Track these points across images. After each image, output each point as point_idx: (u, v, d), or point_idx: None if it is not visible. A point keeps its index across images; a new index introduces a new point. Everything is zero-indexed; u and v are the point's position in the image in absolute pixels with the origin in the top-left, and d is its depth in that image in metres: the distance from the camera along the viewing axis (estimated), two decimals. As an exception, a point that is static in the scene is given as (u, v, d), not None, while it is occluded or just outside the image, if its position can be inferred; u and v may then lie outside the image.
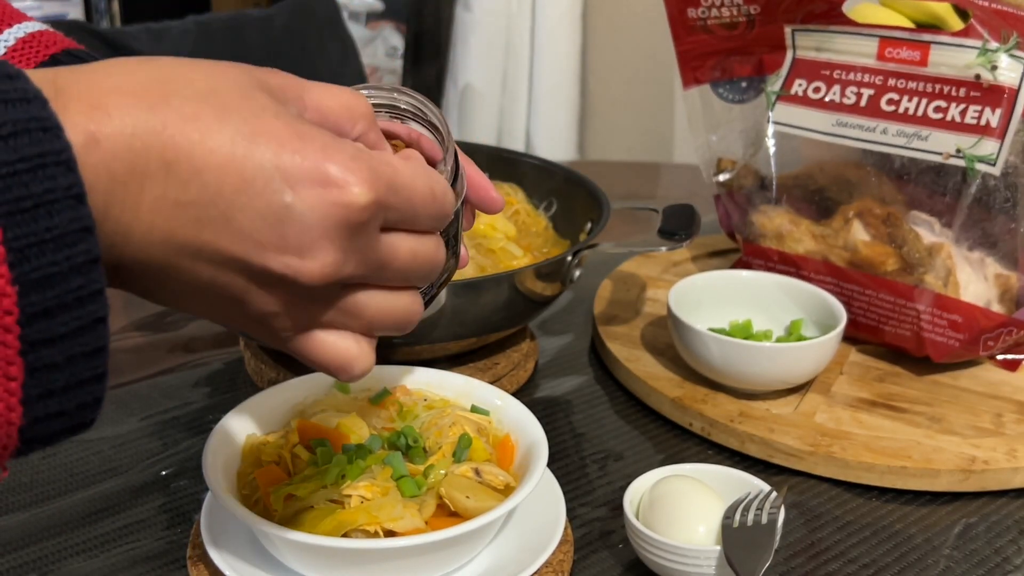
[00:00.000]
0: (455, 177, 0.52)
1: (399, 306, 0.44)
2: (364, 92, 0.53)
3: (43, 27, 0.64)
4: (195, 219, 0.38)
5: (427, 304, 0.60)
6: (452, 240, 0.57)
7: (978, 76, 0.84)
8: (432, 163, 0.52)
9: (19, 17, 0.63)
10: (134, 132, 0.36)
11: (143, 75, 0.37)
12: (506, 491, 0.63)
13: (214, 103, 0.38)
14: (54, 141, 0.34)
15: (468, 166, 0.56)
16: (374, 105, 0.52)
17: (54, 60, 0.61)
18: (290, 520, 0.60)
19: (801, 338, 0.86)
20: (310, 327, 0.43)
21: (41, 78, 0.36)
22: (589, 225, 0.91)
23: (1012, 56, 0.83)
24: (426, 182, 0.43)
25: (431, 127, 0.53)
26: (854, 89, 0.91)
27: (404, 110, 0.52)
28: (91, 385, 0.37)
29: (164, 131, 0.36)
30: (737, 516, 0.63)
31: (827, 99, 0.93)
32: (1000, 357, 0.91)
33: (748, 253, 0.97)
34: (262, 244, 0.38)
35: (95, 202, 0.36)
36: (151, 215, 0.37)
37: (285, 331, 0.43)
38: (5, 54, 0.60)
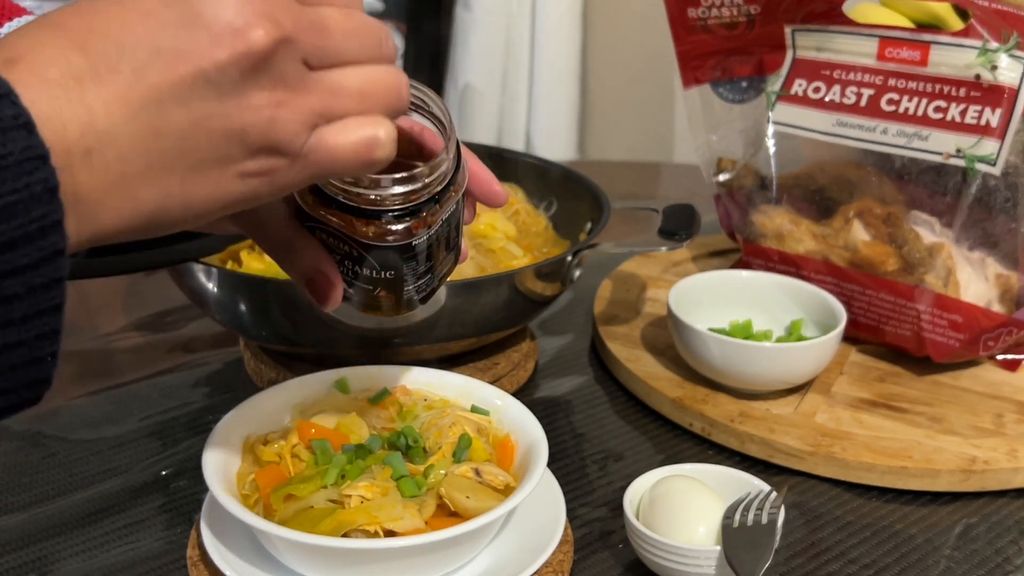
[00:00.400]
0: (456, 168, 0.52)
1: (378, 74, 0.43)
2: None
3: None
4: (133, 72, 0.37)
5: (425, 301, 0.60)
6: (453, 234, 0.57)
7: (978, 76, 0.84)
8: (434, 154, 0.52)
9: (18, 11, 0.64)
10: (42, 45, 0.37)
11: (41, 18, 0.38)
12: (506, 491, 0.63)
13: None
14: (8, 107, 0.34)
15: (471, 160, 0.55)
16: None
17: None
18: (290, 520, 0.60)
19: (801, 338, 0.86)
20: (314, 123, 0.41)
21: None
22: (589, 225, 0.91)
23: (1012, 56, 0.83)
24: (359, 15, 0.42)
25: (433, 118, 0.52)
26: (854, 89, 0.91)
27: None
28: (49, 315, 0.37)
29: (66, 29, 0.37)
30: (737, 516, 0.63)
31: (827, 99, 0.93)
32: (1000, 357, 0.91)
33: (748, 253, 0.97)
34: (197, 50, 0.38)
35: (46, 113, 0.36)
36: (96, 95, 0.37)
37: (294, 139, 0.41)
38: None
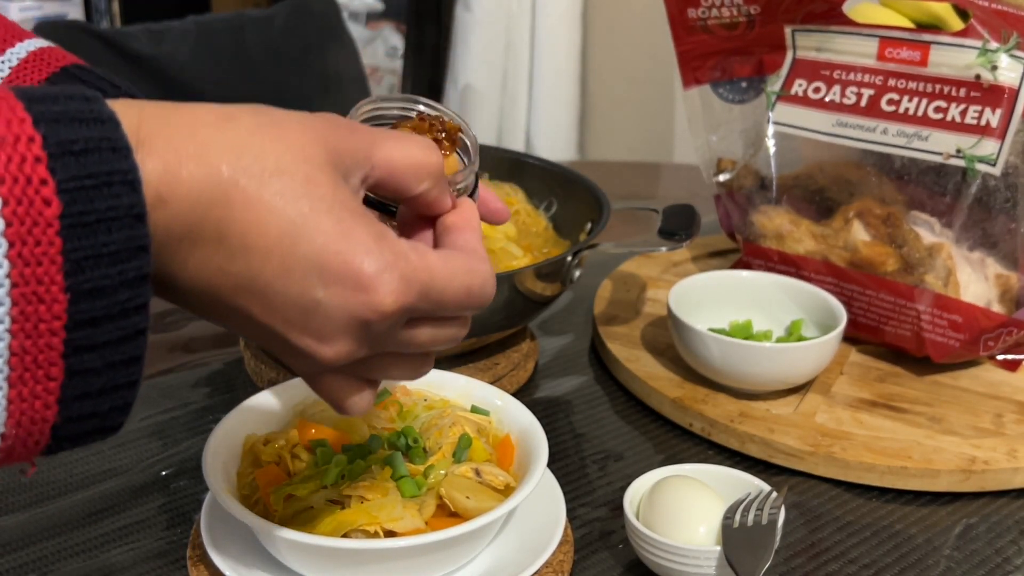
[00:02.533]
0: (474, 187, 0.53)
1: (409, 365, 0.47)
2: (393, 103, 0.54)
3: (49, 44, 0.65)
4: (234, 286, 0.41)
5: None
6: None
7: (978, 76, 0.84)
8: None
9: (26, 35, 0.65)
10: (199, 199, 0.39)
11: (222, 142, 0.39)
12: (506, 491, 0.63)
13: (278, 187, 0.40)
14: (122, 161, 0.36)
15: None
16: (401, 117, 0.52)
17: (64, 72, 0.63)
18: (290, 520, 0.60)
19: (801, 338, 0.86)
20: (324, 372, 0.46)
21: (126, 115, 0.38)
22: (589, 225, 0.91)
23: (1012, 56, 0.83)
24: (463, 283, 0.44)
25: (464, 147, 0.53)
26: (854, 89, 0.91)
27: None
28: (125, 390, 0.38)
29: (225, 207, 0.39)
30: (737, 516, 0.63)
31: (827, 99, 0.93)
32: (1000, 357, 0.91)
33: (748, 253, 0.97)
34: (289, 322, 0.41)
35: (153, 244, 0.38)
36: (197, 270, 0.40)
37: (302, 373, 0.46)
38: (17, 65, 0.62)
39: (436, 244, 0.48)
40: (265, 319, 0.42)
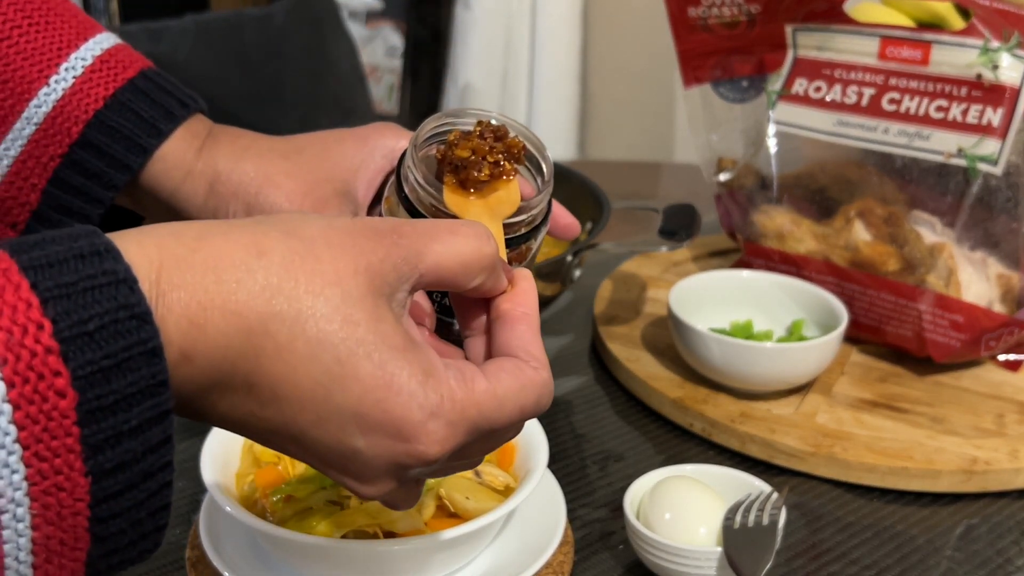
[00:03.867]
0: (548, 208, 0.49)
1: (457, 470, 0.45)
2: (474, 119, 0.49)
3: (115, 41, 0.62)
4: (267, 429, 0.39)
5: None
6: (533, 266, 0.54)
7: (979, 75, 0.84)
8: (524, 198, 0.49)
9: (93, 29, 0.62)
10: (226, 354, 0.36)
11: (251, 286, 0.37)
12: (506, 492, 0.63)
13: (313, 333, 0.37)
14: (141, 330, 0.34)
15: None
16: (479, 134, 0.48)
17: (131, 86, 0.60)
18: (289, 521, 0.60)
19: (802, 338, 0.86)
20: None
21: (143, 263, 0.35)
22: (589, 225, 0.90)
23: (1014, 55, 0.83)
24: (516, 405, 0.41)
25: (539, 170, 0.50)
26: (855, 88, 0.91)
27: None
28: (153, 535, 0.37)
29: (255, 358, 0.37)
30: (738, 517, 0.63)
31: (828, 98, 0.93)
32: (1002, 357, 0.90)
33: (749, 253, 0.97)
34: (327, 463, 0.40)
35: (179, 401, 0.37)
36: (226, 413, 0.38)
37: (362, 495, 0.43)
38: (82, 75, 0.59)
39: (489, 331, 0.45)
40: (304, 457, 0.40)
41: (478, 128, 0.47)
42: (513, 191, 0.46)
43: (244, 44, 1.73)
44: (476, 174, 0.45)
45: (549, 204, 0.51)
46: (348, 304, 0.38)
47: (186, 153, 0.61)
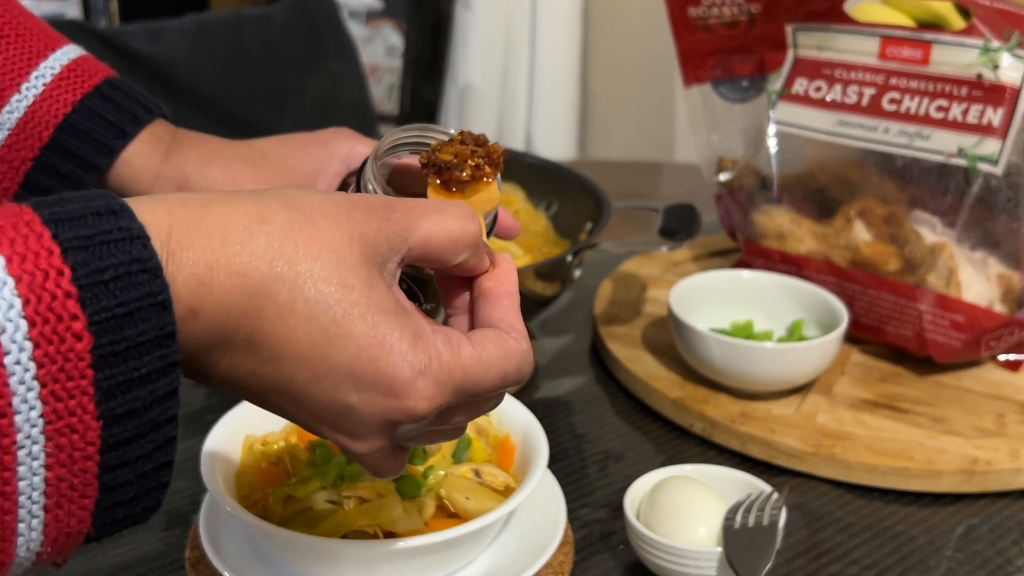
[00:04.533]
0: (494, 217, 0.53)
1: (443, 436, 0.47)
2: (416, 132, 0.52)
3: (81, 52, 0.65)
4: (266, 388, 0.41)
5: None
6: None
7: (980, 75, 0.84)
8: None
9: (58, 42, 0.65)
10: (230, 313, 0.39)
11: (254, 248, 0.39)
12: (506, 492, 0.63)
13: (311, 294, 0.40)
14: (153, 282, 0.36)
15: None
16: (423, 143, 0.51)
17: (98, 92, 0.63)
18: (289, 521, 0.60)
19: (803, 338, 0.86)
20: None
21: (155, 222, 0.37)
22: (589, 225, 0.90)
23: (1014, 55, 0.83)
24: (499, 370, 0.44)
25: (497, 168, 0.52)
26: (856, 88, 0.91)
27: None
28: (156, 492, 0.39)
29: (257, 318, 0.39)
30: (738, 517, 0.63)
31: (828, 98, 0.93)
32: (1002, 357, 0.90)
33: (749, 253, 0.97)
34: (322, 420, 0.42)
35: (182, 354, 0.38)
36: (228, 371, 0.40)
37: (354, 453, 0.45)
38: (51, 82, 0.62)
39: (472, 309, 0.48)
40: (299, 415, 0.42)
41: (460, 136, 0.50)
42: (493, 192, 0.49)
43: (244, 44, 1.73)
44: (458, 174, 0.48)
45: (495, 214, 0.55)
46: (344, 269, 0.40)
47: (152, 157, 0.63)
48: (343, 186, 0.64)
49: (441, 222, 0.44)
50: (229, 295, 0.38)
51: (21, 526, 0.36)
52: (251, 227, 0.39)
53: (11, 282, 0.34)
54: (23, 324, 0.34)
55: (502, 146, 0.50)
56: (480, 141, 0.50)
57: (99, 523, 0.38)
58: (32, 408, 0.34)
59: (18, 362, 0.34)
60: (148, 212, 0.37)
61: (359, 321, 0.40)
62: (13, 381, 0.34)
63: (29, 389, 0.34)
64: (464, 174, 0.48)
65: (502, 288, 0.47)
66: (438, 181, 0.48)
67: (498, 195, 0.50)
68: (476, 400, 0.44)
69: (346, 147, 0.66)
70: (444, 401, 0.42)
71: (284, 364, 0.40)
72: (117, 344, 0.35)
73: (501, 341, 0.44)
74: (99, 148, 0.62)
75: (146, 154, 0.63)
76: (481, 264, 0.47)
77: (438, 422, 0.44)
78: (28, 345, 0.34)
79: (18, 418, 0.34)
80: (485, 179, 0.49)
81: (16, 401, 0.34)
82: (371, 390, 0.41)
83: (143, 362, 0.36)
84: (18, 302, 0.34)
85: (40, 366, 0.34)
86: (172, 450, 0.38)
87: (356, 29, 2.85)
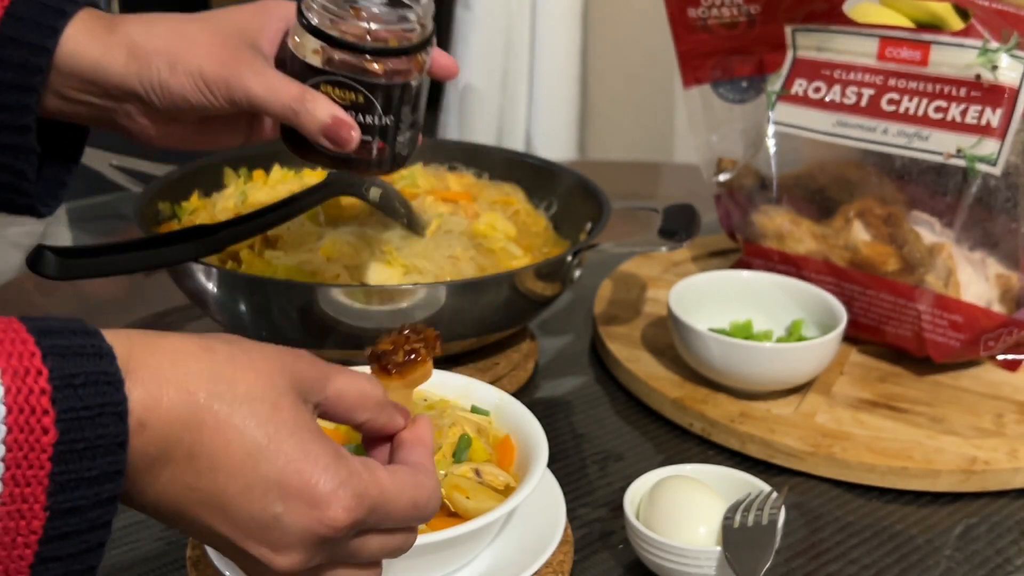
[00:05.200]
0: (427, 42, 0.64)
1: (358, 572, 0.49)
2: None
3: None
4: (198, 501, 0.44)
5: (404, 161, 0.69)
6: (424, 102, 0.67)
7: (979, 76, 0.84)
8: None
9: None
10: (173, 426, 0.42)
11: (200, 370, 0.44)
12: (506, 492, 0.63)
13: (247, 411, 0.44)
14: (115, 393, 0.40)
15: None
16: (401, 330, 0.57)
17: None
18: (290, 521, 0.60)
19: (802, 338, 0.86)
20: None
21: (118, 345, 0.42)
22: (589, 225, 0.91)
23: (1013, 56, 0.83)
24: (410, 496, 0.48)
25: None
26: (855, 89, 0.91)
27: None
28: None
29: (198, 430, 0.43)
30: (737, 517, 0.63)
31: (828, 99, 0.93)
32: (1001, 357, 0.90)
33: (749, 253, 0.97)
34: (248, 534, 0.44)
35: (128, 468, 0.41)
36: (165, 487, 0.43)
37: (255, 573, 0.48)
38: None
39: (390, 458, 0.52)
40: (224, 531, 0.44)
41: (401, 328, 0.57)
42: (428, 369, 0.57)
43: (244, 45, 1.73)
44: (395, 359, 0.56)
45: (431, 40, 0.66)
46: (275, 393, 0.45)
47: (96, 30, 0.64)
48: (282, 46, 0.67)
49: (352, 382, 0.49)
50: (175, 409, 0.42)
51: None
52: (198, 353, 0.44)
53: None
54: (2, 409, 0.38)
55: (435, 331, 0.57)
56: (418, 329, 0.57)
57: None
58: None
59: None
60: (113, 336, 0.42)
61: (288, 437, 0.44)
62: None
63: None
64: (399, 358, 0.56)
65: (417, 438, 0.52)
66: (377, 367, 0.56)
67: (431, 370, 0.57)
68: (387, 525, 0.47)
69: (284, 10, 0.68)
70: (360, 516, 0.45)
71: (219, 475, 0.43)
72: (77, 443, 0.39)
73: (413, 473, 0.49)
74: (43, 30, 0.62)
75: (90, 29, 0.64)
76: (392, 422, 0.51)
77: (352, 548, 0.47)
78: (3, 429, 0.38)
79: None
80: (420, 360, 0.56)
81: None
82: (296, 500, 0.44)
83: (95, 464, 0.39)
84: (1, 390, 0.38)
85: (8, 450, 0.38)
86: (100, 555, 0.41)
87: (356, 30, 2.84)
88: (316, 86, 0.64)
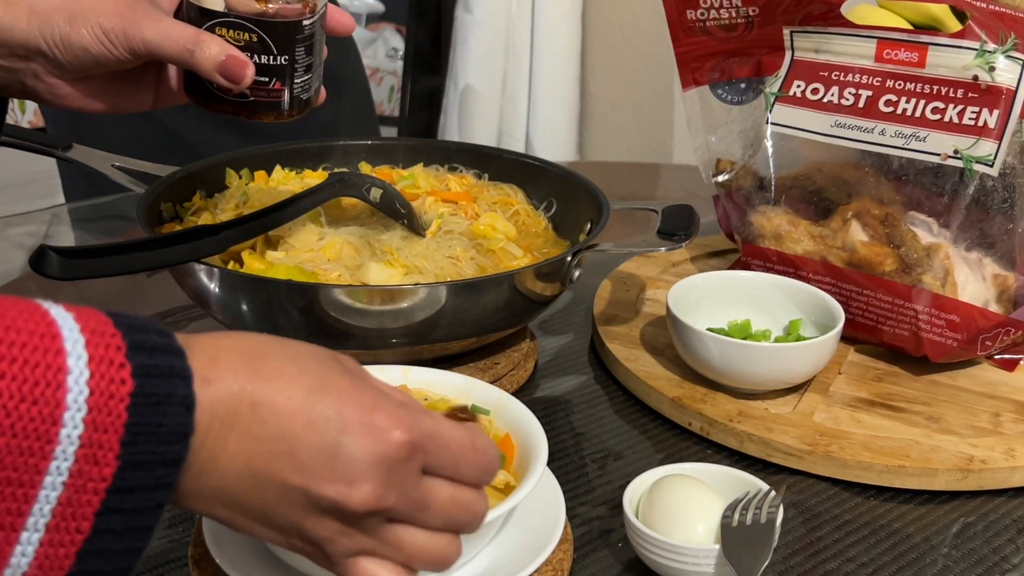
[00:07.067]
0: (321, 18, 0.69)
1: (437, 546, 0.50)
2: None
3: None
4: (268, 452, 0.45)
5: (305, 107, 0.74)
6: (319, 48, 0.71)
7: (976, 77, 0.85)
8: None
9: None
10: (236, 377, 0.45)
11: (247, 340, 0.47)
12: (506, 490, 0.64)
13: (296, 363, 0.47)
14: (179, 359, 0.43)
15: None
16: None
17: None
18: (291, 519, 0.60)
19: (800, 338, 0.87)
20: (356, 554, 0.49)
21: (181, 336, 0.45)
22: (589, 225, 0.91)
23: (1009, 57, 0.84)
24: (466, 434, 0.50)
25: None
26: (852, 90, 0.92)
27: None
28: (132, 555, 0.43)
29: (256, 382, 0.45)
30: (736, 515, 0.63)
31: (825, 100, 0.93)
32: (998, 357, 0.91)
33: (747, 253, 0.97)
34: (318, 474, 0.45)
35: (198, 430, 0.44)
36: (236, 444, 0.45)
37: (335, 555, 0.48)
38: None
39: None
40: (296, 480, 0.45)
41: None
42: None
43: (245, 46, 1.73)
44: None
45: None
46: (320, 355, 0.48)
47: None
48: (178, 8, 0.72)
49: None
50: (233, 364, 0.45)
51: (16, 548, 0.41)
52: (243, 334, 0.48)
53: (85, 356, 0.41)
54: (85, 354, 0.41)
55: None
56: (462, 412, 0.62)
57: (78, 567, 0.42)
58: (76, 428, 0.40)
59: (77, 384, 0.41)
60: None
61: (340, 377, 0.47)
62: (69, 398, 0.40)
63: (79, 409, 0.41)
64: None
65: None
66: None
67: None
68: (450, 464, 0.49)
69: None
70: (416, 438, 0.47)
71: (282, 418, 0.45)
72: (151, 396, 0.42)
73: (467, 426, 0.51)
74: None
75: None
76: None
77: (424, 492, 0.48)
78: (87, 372, 0.41)
79: (63, 432, 0.40)
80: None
81: (67, 415, 0.40)
82: (357, 425, 0.46)
83: (166, 421, 0.42)
84: (82, 339, 0.41)
85: (91, 393, 0.41)
86: (158, 516, 0.43)
87: (357, 32, 2.85)
88: (212, 29, 0.68)
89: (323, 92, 0.76)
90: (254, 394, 0.45)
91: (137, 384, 0.41)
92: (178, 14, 0.71)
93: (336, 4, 1.92)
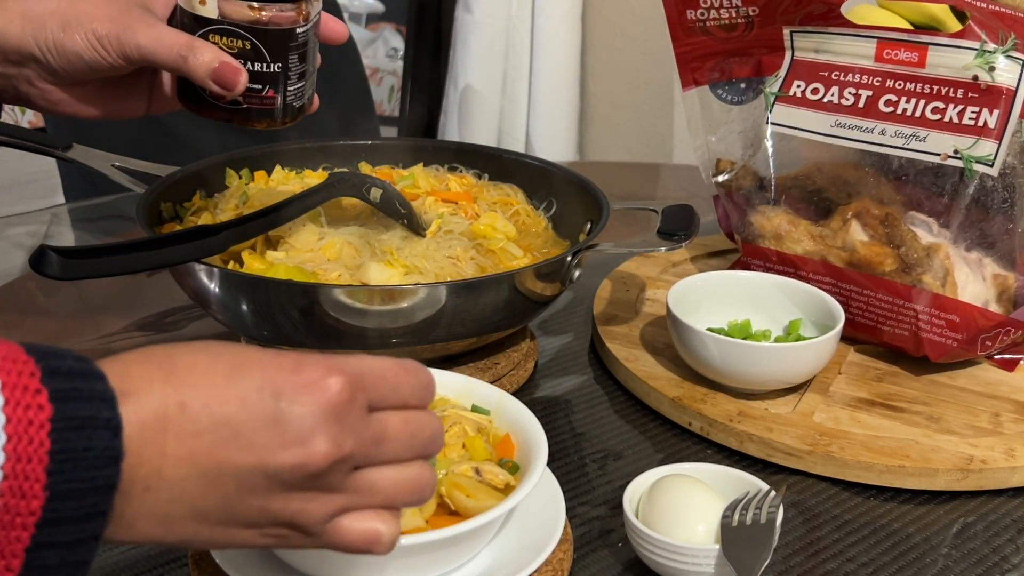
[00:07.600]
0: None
1: (409, 476, 0.49)
2: None
3: None
4: (211, 444, 0.44)
5: (298, 114, 0.75)
6: (313, 55, 0.72)
7: (976, 77, 0.85)
8: None
9: None
10: (153, 385, 0.43)
11: (154, 349, 0.45)
12: (506, 490, 0.64)
13: (206, 352, 0.45)
14: (96, 382, 0.42)
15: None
16: None
17: None
18: (291, 519, 0.60)
19: (800, 338, 0.87)
20: (334, 516, 0.47)
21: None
22: (589, 225, 0.91)
23: (1009, 57, 0.84)
24: (395, 362, 0.49)
25: None
26: (852, 90, 0.92)
27: None
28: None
29: (173, 380, 0.44)
30: (736, 515, 0.63)
31: (825, 100, 0.93)
32: (998, 357, 0.91)
33: (747, 253, 0.97)
34: (268, 446, 0.44)
35: (131, 446, 0.42)
36: (176, 448, 0.43)
37: (313, 526, 0.47)
38: None
39: None
40: (250, 459, 0.44)
41: None
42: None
43: (245, 46, 1.73)
44: None
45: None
46: (231, 344, 0.47)
47: None
48: (174, 7, 0.72)
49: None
50: (146, 370, 0.44)
51: None
52: (152, 349, 0.46)
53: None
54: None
55: None
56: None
57: None
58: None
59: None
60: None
61: (255, 351, 0.46)
62: None
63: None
64: None
65: None
66: None
67: None
68: (389, 394, 0.48)
69: None
70: (351, 378, 0.46)
71: (213, 406, 0.44)
72: (73, 420, 0.40)
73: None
74: None
75: None
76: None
77: (376, 427, 0.47)
78: (0, 398, 0.39)
79: None
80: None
81: None
82: (288, 389, 0.45)
83: (93, 444, 0.40)
84: None
85: (8, 421, 0.39)
86: (94, 550, 0.41)
87: (357, 32, 2.85)
88: (205, 36, 0.68)
89: (316, 99, 0.76)
90: (177, 392, 0.43)
91: (56, 408, 0.40)
92: (172, 21, 0.71)
93: (337, 4, 1.91)
